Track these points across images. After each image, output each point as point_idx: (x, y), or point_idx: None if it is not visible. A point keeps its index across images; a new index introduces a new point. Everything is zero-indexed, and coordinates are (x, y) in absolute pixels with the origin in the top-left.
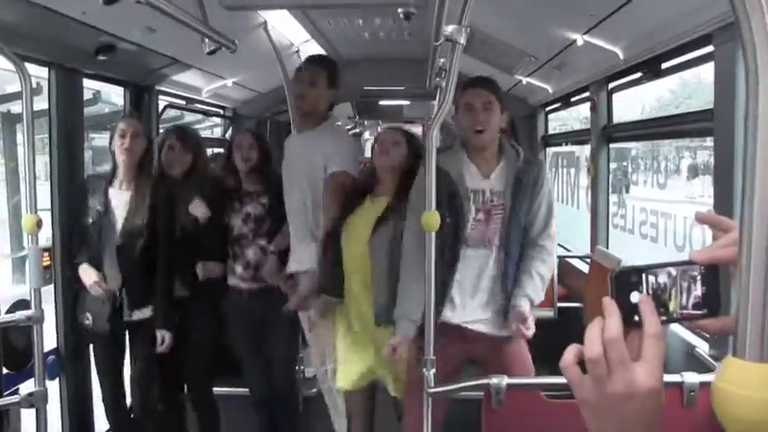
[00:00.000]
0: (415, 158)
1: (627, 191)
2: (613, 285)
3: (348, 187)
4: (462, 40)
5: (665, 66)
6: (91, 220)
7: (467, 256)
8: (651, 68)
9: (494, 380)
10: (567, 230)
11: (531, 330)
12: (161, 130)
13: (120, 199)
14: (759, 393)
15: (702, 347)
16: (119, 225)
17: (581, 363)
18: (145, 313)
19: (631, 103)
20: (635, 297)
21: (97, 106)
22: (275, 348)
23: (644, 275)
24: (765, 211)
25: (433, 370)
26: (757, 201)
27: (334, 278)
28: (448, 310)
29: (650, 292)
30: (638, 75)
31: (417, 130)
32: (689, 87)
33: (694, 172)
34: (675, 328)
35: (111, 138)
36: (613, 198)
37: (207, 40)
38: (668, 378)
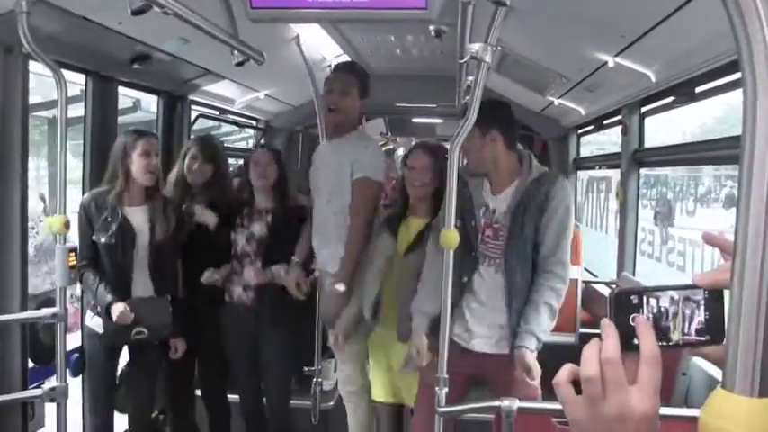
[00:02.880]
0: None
1: (671, 223)
2: (613, 306)
3: (376, 196)
4: (488, 59)
5: (699, 90)
6: (110, 241)
7: (477, 271)
8: (685, 92)
9: (505, 402)
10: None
11: (537, 375)
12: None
13: (136, 215)
14: (744, 429)
15: None
16: (144, 241)
17: (576, 383)
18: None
19: (670, 129)
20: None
21: (136, 114)
22: (270, 364)
23: (645, 298)
24: (756, 238)
25: (446, 389)
26: (751, 231)
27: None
28: (456, 327)
29: (651, 315)
30: (671, 98)
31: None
32: (736, 112)
33: (731, 201)
34: (699, 361)
35: (125, 154)
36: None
37: (235, 51)
38: (689, 412)
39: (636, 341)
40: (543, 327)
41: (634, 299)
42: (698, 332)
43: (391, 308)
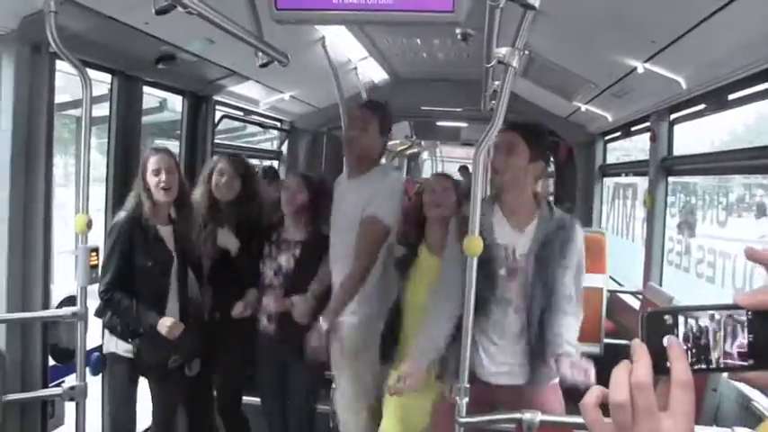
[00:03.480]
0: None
1: (693, 233)
2: (644, 327)
3: (381, 237)
4: (515, 63)
5: (731, 97)
6: (147, 263)
7: (492, 310)
8: (716, 100)
9: (527, 415)
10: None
11: (591, 377)
12: (216, 140)
13: (168, 234)
14: None
15: (760, 401)
16: (175, 260)
17: (604, 406)
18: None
19: (698, 137)
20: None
21: (163, 114)
22: (296, 389)
23: (680, 318)
24: None
25: (466, 399)
26: None
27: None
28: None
29: (688, 336)
30: (702, 106)
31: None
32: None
33: (763, 211)
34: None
35: (143, 171)
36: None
37: (260, 53)
38: None
39: (668, 364)
40: (572, 344)
41: (668, 319)
42: (740, 356)
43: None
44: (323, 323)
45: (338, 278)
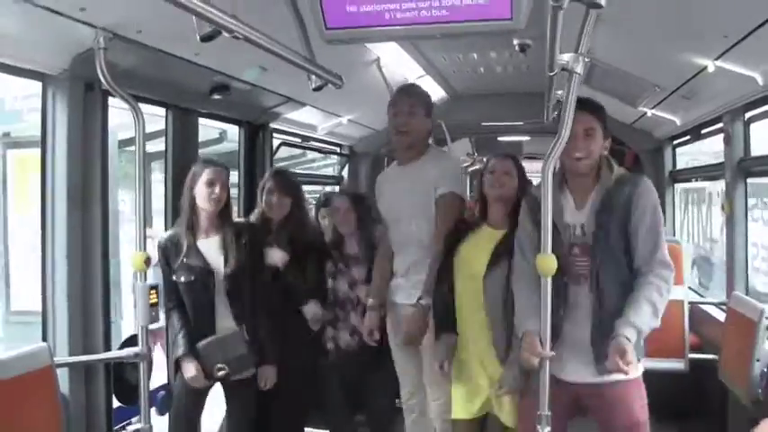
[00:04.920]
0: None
1: None
2: None
3: (460, 208)
4: (579, 70)
5: None
6: (189, 278)
7: (567, 297)
8: None
9: None
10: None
11: (632, 366)
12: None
13: (210, 248)
14: None
15: None
16: (220, 272)
17: None
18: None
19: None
20: None
21: (223, 144)
22: (373, 406)
23: None
24: None
25: (548, 428)
26: None
27: (449, 313)
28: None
29: None
30: None
31: (538, 165)
32: None
33: None
34: None
35: (192, 184)
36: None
37: (313, 76)
38: None
39: None
40: (644, 320)
41: None
42: None
43: (468, 326)
44: (423, 301)
45: (403, 266)
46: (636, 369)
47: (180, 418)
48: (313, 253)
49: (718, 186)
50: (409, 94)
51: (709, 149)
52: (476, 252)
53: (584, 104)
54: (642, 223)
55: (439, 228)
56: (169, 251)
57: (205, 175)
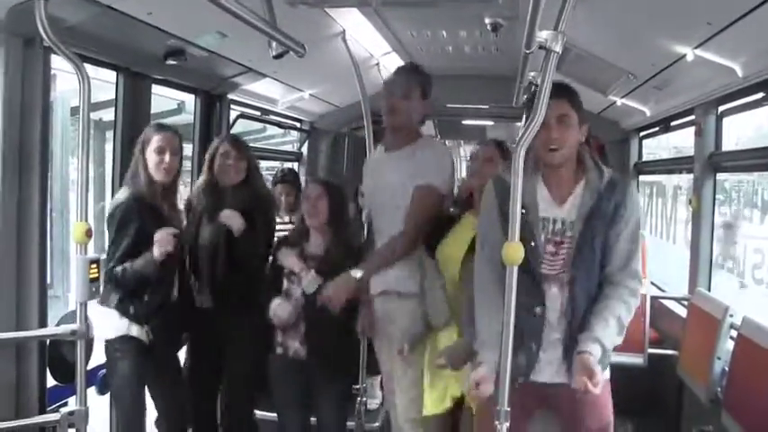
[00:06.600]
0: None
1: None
2: None
3: (434, 205)
4: (558, 48)
5: None
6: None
7: (539, 296)
8: None
9: None
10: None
11: (598, 386)
12: None
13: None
14: None
15: None
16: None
17: None
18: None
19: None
20: None
21: (181, 116)
22: (325, 408)
23: None
24: None
25: (507, 423)
26: None
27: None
28: (519, 356)
29: None
30: (760, 95)
31: None
32: None
33: None
34: None
35: (142, 149)
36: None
37: (274, 43)
38: None
39: None
40: (610, 338)
41: None
42: None
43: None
44: (356, 273)
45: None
46: (604, 373)
47: (126, 400)
48: (269, 222)
49: (675, 180)
50: (407, 73)
51: (668, 144)
52: (459, 244)
53: (556, 89)
54: (624, 234)
55: (407, 222)
56: (139, 213)
57: (155, 141)
